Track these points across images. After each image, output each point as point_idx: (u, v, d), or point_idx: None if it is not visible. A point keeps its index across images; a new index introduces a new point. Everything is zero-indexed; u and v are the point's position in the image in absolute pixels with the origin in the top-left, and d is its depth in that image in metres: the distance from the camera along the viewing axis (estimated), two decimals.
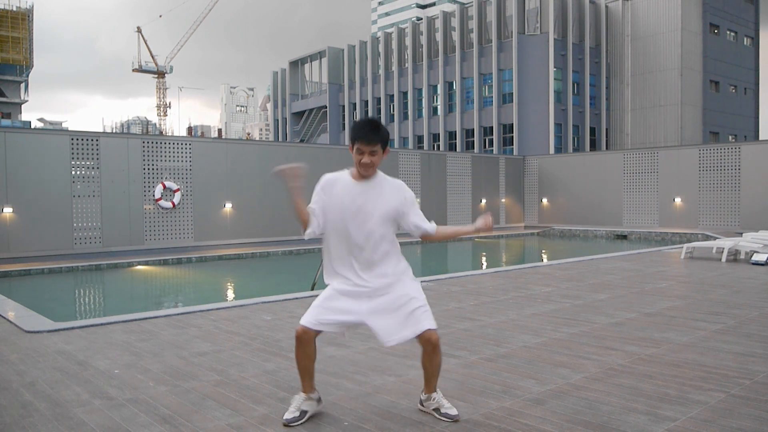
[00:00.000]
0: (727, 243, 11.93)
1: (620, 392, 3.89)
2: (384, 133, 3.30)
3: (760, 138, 44.98)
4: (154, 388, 4.09)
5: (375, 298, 3.34)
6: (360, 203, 3.31)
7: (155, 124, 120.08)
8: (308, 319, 3.31)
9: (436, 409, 3.49)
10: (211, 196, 16.72)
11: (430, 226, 3.49)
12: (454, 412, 3.45)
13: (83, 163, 14.91)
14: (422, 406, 3.59)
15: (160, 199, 15.67)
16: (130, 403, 3.80)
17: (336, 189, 3.36)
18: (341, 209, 3.32)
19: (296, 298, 7.64)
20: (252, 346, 5.24)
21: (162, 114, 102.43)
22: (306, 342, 3.32)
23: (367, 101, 50.63)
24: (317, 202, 3.39)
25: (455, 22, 43.54)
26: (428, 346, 3.36)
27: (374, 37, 52.53)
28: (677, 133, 39.12)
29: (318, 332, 3.33)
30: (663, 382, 4.09)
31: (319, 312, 3.31)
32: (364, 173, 3.33)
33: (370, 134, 3.26)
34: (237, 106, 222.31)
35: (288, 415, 3.40)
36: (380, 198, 3.34)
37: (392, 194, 3.37)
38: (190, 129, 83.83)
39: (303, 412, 3.43)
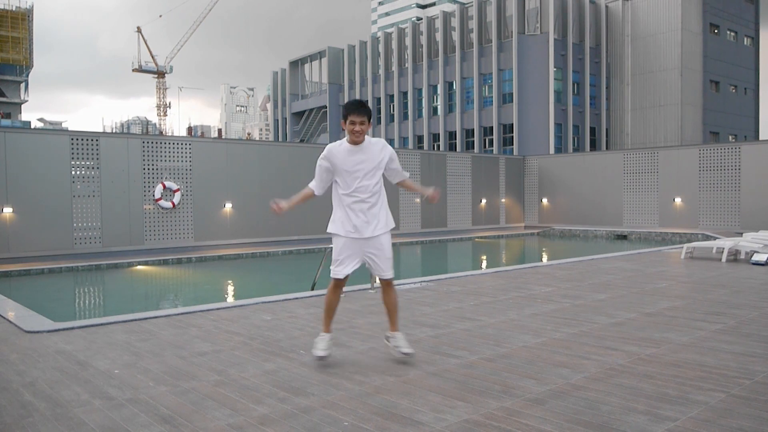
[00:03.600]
0: (727, 243, 11.93)
1: (620, 392, 3.89)
2: (368, 109, 4.46)
3: (760, 138, 44.98)
4: (154, 388, 4.09)
5: (370, 240, 4.52)
6: (358, 161, 4.47)
7: (155, 124, 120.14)
8: (337, 270, 4.52)
9: (396, 347, 4.59)
10: (211, 196, 16.72)
11: (405, 174, 4.77)
12: (407, 350, 4.56)
13: (83, 163, 14.90)
14: (387, 341, 4.74)
15: (160, 199, 15.67)
16: (130, 403, 3.80)
17: (339, 155, 4.50)
18: (344, 168, 4.47)
19: (296, 298, 7.64)
20: (252, 346, 5.24)
21: (162, 114, 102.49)
22: (340, 286, 4.57)
23: (367, 101, 50.56)
24: (321, 171, 4.58)
25: (455, 22, 43.55)
26: (386, 289, 4.66)
27: (374, 37, 52.55)
28: (677, 133, 39.13)
29: (347, 276, 4.54)
30: (663, 382, 4.09)
31: (341, 264, 4.52)
32: (356, 139, 4.44)
33: (360, 108, 4.41)
34: (237, 106, 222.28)
35: (321, 353, 4.52)
36: (370, 156, 4.50)
37: (378, 152, 4.54)
38: (190, 129, 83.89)
39: (328, 349, 4.57)
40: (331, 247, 4.65)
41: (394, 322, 4.68)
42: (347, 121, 4.41)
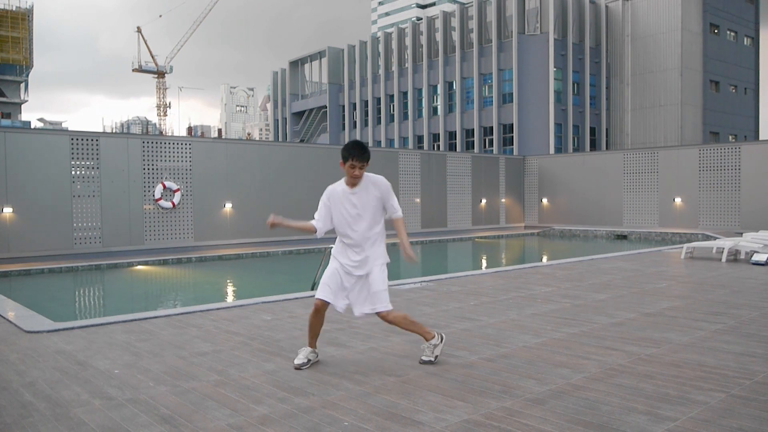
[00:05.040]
0: (727, 243, 11.93)
1: (620, 392, 3.89)
2: (369, 153, 4.47)
3: (760, 138, 44.97)
4: (154, 388, 4.09)
5: (360, 278, 4.49)
6: (355, 204, 4.47)
7: (155, 124, 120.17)
8: (322, 294, 4.46)
9: (436, 355, 4.63)
10: (211, 196, 16.72)
11: (397, 214, 4.60)
12: (426, 358, 4.59)
13: (83, 163, 14.90)
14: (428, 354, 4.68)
15: (160, 199, 15.66)
16: (130, 403, 3.80)
17: (336, 197, 4.52)
18: (341, 211, 4.49)
19: (296, 298, 7.64)
20: (252, 346, 5.24)
21: (162, 114, 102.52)
22: (321, 311, 4.49)
23: (367, 101, 50.63)
24: (323, 208, 4.55)
25: (455, 22, 43.54)
26: (386, 321, 4.53)
27: (374, 37, 52.54)
28: (677, 133, 39.12)
29: (328, 303, 4.47)
30: (663, 382, 4.09)
31: (328, 289, 4.46)
32: (355, 182, 4.47)
33: (362, 154, 4.40)
34: (237, 106, 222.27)
35: (298, 361, 4.51)
36: (368, 196, 4.48)
37: (376, 190, 4.49)
38: (190, 129, 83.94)
39: (309, 360, 4.56)
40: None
41: (421, 334, 4.64)
42: (347, 164, 4.39)
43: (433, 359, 4.58)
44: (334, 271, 4.51)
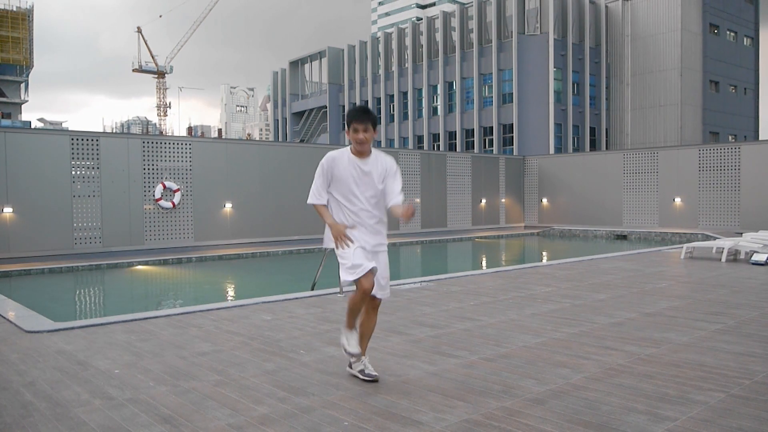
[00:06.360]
0: (727, 243, 11.93)
1: (620, 392, 3.89)
2: (373, 116, 4.11)
3: (760, 138, 44.98)
4: (154, 388, 4.09)
5: (376, 254, 4.10)
6: (363, 171, 4.05)
7: (155, 124, 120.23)
8: (364, 267, 3.88)
9: (361, 371, 4.16)
10: (211, 196, 16.72)
11: (398, 200, 4.11)
12: (374, 373, 4.13)
13: (83, 163, 14.90)
14: (350, 368, 4.29)
15: (160, 199, 15.66)
16: (130, 403, 3.81)
17: (341, 164, 4.05)
18: (349, 179, 4.04)
19: (296, 298, 7.64)
20: (252, 346, 5.24)
21: (162, 114, 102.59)
22: (368, 291, 3.94)
23: (367, 101, 50.63)
24: (320, 178, 4.08)
25: (455, 22, 43.56)
26: (371, 305, 4.14)
27: (374, 37, 52.56)
28: (677, 133, 39.13)
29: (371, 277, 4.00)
30: (663, 382, 4.09)
31: (363, 262, 3.90)
32: (360, 148, 4.04)
33: (363, 115, 4.04)
34: (237, 106, 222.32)
35: (353, 350, 4.06)
36: (378, 170, 4.09)
37: (383, 166, 4.12)
38: (190, 129, 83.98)
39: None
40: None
41: (365, 347, 4.22)
42: (350, 129, 4.02)
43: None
44: (355, 248, 3.97)
